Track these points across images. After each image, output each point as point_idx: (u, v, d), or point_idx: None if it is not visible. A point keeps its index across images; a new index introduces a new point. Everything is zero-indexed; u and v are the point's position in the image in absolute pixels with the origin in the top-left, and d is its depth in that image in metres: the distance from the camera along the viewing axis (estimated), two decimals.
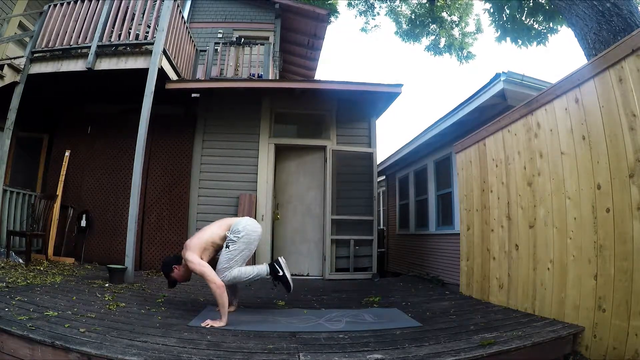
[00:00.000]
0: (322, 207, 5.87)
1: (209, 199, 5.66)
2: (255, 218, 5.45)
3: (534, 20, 6.82)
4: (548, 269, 2.83)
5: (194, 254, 2.77)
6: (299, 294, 4.15)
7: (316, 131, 6.16)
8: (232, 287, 3.02)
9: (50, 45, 5.04)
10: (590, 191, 2.47)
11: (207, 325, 2.52)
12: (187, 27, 6.06)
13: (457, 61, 10.45)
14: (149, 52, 4.79)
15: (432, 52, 10.42)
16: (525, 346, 2.15)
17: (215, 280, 2.64)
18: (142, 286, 3.96)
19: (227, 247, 2.82)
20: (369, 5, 11.08)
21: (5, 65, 4.75)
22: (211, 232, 2.94)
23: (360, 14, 11.32)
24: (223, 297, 2.60)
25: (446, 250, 5.72)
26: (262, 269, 2.95)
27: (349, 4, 11.34)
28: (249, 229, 2.90)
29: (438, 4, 9.73)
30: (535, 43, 6.98)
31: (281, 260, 3.01)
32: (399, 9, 10.40)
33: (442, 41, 10.22)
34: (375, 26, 11.73)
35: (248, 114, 5.97)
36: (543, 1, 6.45)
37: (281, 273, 2.95)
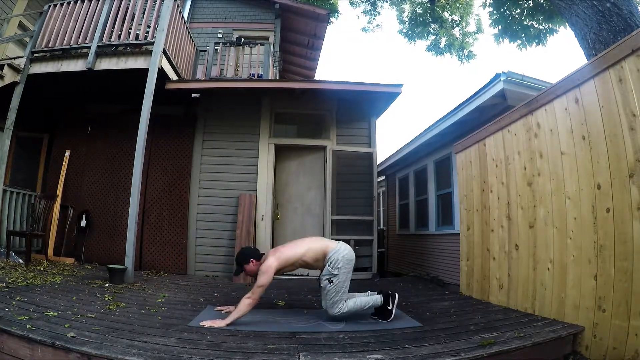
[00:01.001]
0: (322, 207, 5.87)
1: (209, 199, 5.66)
2: (255, 218, 5.46)
3: (533, 20, 6.83)
4: (548, 269, 2.83)
5: (277, 263, 2.78)
6: (299, 294, 4.16)
7: (316, 131, 6.16)
8: None
9: (50, 45, 5.04)
10: (590, 191, 2.47)
11: (207, 325, 2.51)
12: (187, 27, 6.06)
13: (458, 61, 10.47)
14: (149, 52, 4.79)
15: (434, 52, 10.43)
16: (525, 346, 2.15)
17: (256, 295, 2.66)
18: (142, 286, 3.96)
19: (331, 282, 2.81)
20: (371, 4, 11.11)
21: (5, 65, 4.75)
22: (307, 250, 2.91)
23: (365, 14, 11.36)
24: (247, 310, 2.63)
25: (446, 250, 5.72)
26: (377, 299, 2.94)
27: (352, 4, 11.37)
28: (347, 258, 2.90)
29: (439, 3, 9.73)
30: (534, 43, 6.99)
31: (397, 296, 2.97)
32: (403, 5, 10.43)
33: (443, 41, 10.23)
34: (377, 25, 11.74)
35: (248, 114, 5.97)
36: (543, 1, 6.45)
37: (390, 307, 2.91)
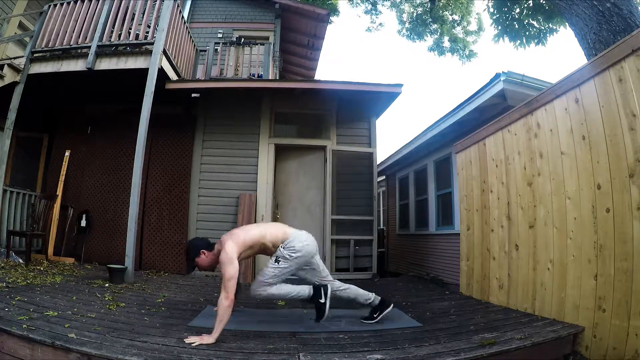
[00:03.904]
0: (322, 207, 5.87)
1: (209, 199, 5.65)
2: (255, 218, 5.46)
3: (534, 20, 6.83)
4: (548, 269, 2.83)
5: (235, 247, 2.45)
6: None
7: (316, 131, 6.16)
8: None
9: (50, 45, 5.04)
10: (590, 191, 2.47)
11: (194, 342, 2.13)
12: (187, 27, 6.06)
13: (459, 60, 10.47)
14: (149, 52, 4.79)
15: (436, 52, 10.43)
16: (525, 346, 2.15)
17: (230, 293, 2.25)
18: (142, 286, 3.97)
19: (277, 261, 2.56)
20: (372, 4, 11.12)
21: (5, 65, 4.75)
22: (262, 232, 2.65)
23: (366, 13, 11.38)
24: (227, 313, 2.23)
25: (446, 250, 5.72)
26: (304, 291, 2.64)
27: (352, 3, 11.39)
28: (307, 249, 2.64)
29: (440, 3, 9.73)
30: (534, 43, 6.98)
31: (330, 287, 2.69)
32: (402, 6, 10.44)
33: (445, 40, 10.23)
34: (380, 24, 11.75)
35: (248, 114, 5.97)
36: (543, 1, 6.45)
37: (322, 300, 2.60)
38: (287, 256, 2.58)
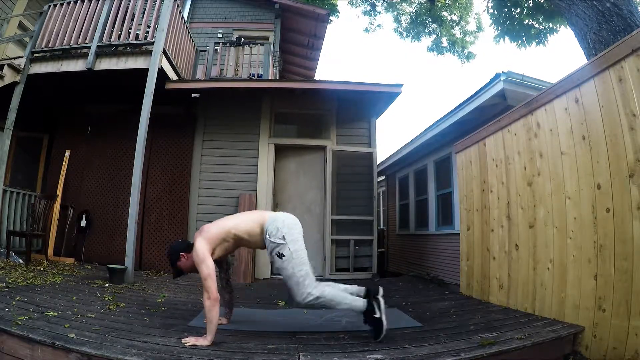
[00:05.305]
0: (322, 207, 5.87)
1: (209, 199, 5.66)
2: None
3: (534, 20, 6.83)
4: (548, 269, 2.83)
5: (206, 244, 2.29)
6: None
7: (316, 131, 6.16)
8: (229, 300, 2.71)
9: (50, 45, 5.04)
10: (590, 191, 2.47)
11: (189, 343, 2.10)
12: (187, 27, 6.06)
13: (459, 60, 10.45)
14: (149, 52, 4.80)
15: (435, 52, 10.42)
16: (525, 346, 2.15)
17: (211, 292, 2.15)
18: (142, 286, 3.97)
19: (282, 256, 2.30)
20: (371, 5, 11.11)
21: (5, 65, 4.75)
22: (237, 223, 2.44)
23: (365, 14, 11.37)
24: (213, 311, 2.14)
25: (446, 250, 5.72)
26: (359, 304, 2.35)
27: (351, 4, 11.37)
28: (289, 222, 2.42)
29: (439, 3, 9.73)
30: (534, 43, 6.99)
31: (381, 297, 2.38)
32: (400, 6, 10.43)
33: (444, 40, 10.21)
34: (378, 25, 11.72)
35: (248, 113, 5.98)
36: (543, 1, 6.45)
37: (377, 315, 2.30)
38: (280, 240, 2.32)
